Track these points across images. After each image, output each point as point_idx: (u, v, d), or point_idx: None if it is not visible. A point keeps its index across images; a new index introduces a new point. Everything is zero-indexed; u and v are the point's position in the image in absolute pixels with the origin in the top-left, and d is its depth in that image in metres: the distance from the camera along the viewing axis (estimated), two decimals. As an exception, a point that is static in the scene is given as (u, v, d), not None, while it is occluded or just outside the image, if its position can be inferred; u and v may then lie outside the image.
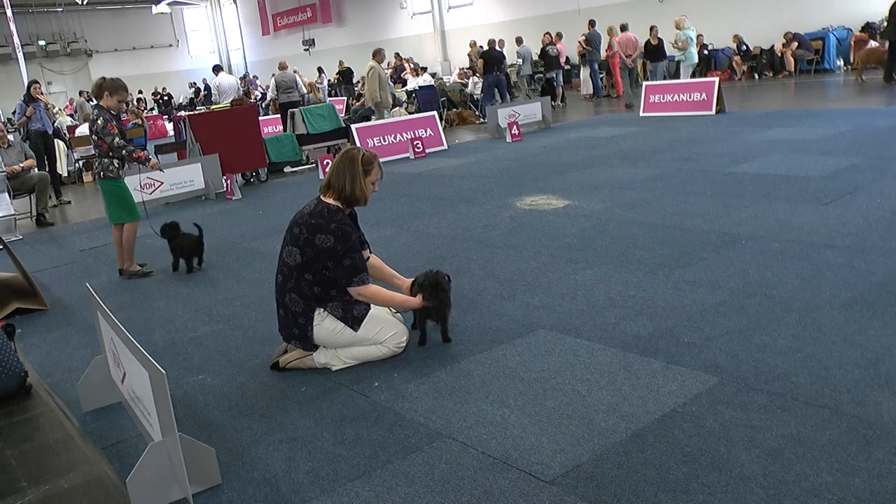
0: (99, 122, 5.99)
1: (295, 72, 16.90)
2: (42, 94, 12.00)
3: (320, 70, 25.92)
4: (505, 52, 17.80)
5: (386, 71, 14.47)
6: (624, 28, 16.97)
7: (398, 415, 3.35)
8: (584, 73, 19.80)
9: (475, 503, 2.63)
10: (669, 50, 16.33)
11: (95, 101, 6.12)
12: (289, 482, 2.91)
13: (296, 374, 3.94)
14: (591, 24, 19.09)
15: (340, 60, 26.48)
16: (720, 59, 19.86)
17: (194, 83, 34.12)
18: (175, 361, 4.33)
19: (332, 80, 26.40)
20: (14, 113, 14.25)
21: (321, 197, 3.92)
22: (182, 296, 5.70)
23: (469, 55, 20.95)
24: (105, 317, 3.38)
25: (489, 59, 16.21)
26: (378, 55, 14.23)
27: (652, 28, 16.36)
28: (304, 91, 15.85)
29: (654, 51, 16.34)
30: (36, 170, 10.55)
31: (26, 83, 13.02)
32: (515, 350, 3.91)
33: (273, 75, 15.59)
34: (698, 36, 18.80)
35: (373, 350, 3.92)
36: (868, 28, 17.53)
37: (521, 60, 18.93)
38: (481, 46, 19.48)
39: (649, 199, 7.09)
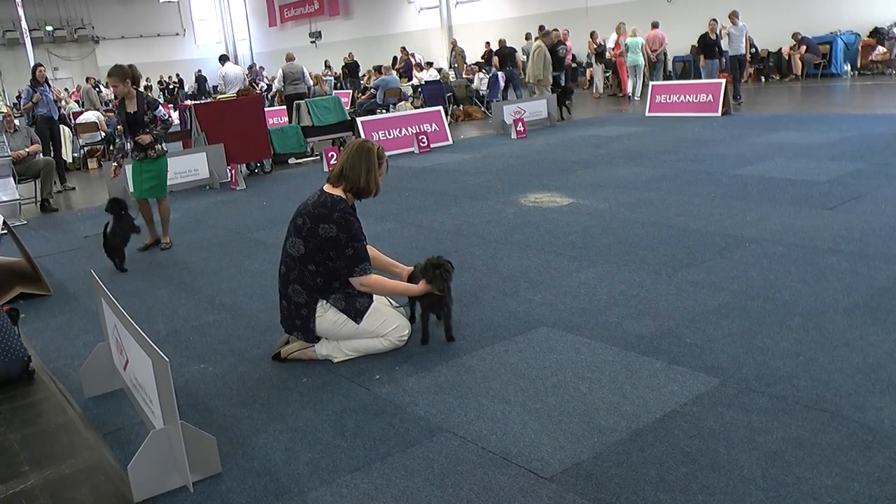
0: None
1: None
2: (47, 77, 11.96)
3: (327, 64, 25.90)
4: (515, 46, 18.40)
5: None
6: (655, 25, 17.62)
7: (399, 408, 3.36)
8: (597, 70, 19.92)
9: (474, 498, 2.64)
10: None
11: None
12: (288, 472, 2.92)
13: (297, 365, 3.95)
14: (541, 28, 19.14)
15: (350, 53, 26.46)
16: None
17: (190, 75, 33.92)
18: (177, 350, 4.34)
19: (338, 73, 26.44)
20: (19, 97, 14.26)
21: (325, 188, 3.93)
22: (185, 284, 5.71)
23: (455, 53, 21.18)
24: (108, 303, 3.39)
25: (501, 56, 16.74)
26: (546, 37, 14.77)
27: (711, 22, 15.28)
28: (311, 83, 15.91)
29: (711, 46, 15.17)
30: (41, 155, 10.56)
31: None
32: (517, 347, 3.91)
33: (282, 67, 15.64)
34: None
35: (374, 343, 3.92)
36: (876, 33, 17.50)
37: (525, 57, 18.93)
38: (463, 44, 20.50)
39: (653, 199, 7.09)
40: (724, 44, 15.18)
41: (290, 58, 15.77)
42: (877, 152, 8.35)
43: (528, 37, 18.99)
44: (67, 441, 3.36)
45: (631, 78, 17.82)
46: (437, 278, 3.84)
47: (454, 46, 22.82)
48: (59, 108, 14.63)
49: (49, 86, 12.16)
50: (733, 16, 14.90)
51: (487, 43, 22.45)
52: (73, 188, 11.87)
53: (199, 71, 33.13)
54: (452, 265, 3.96)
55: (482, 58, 21.75)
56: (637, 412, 3.11)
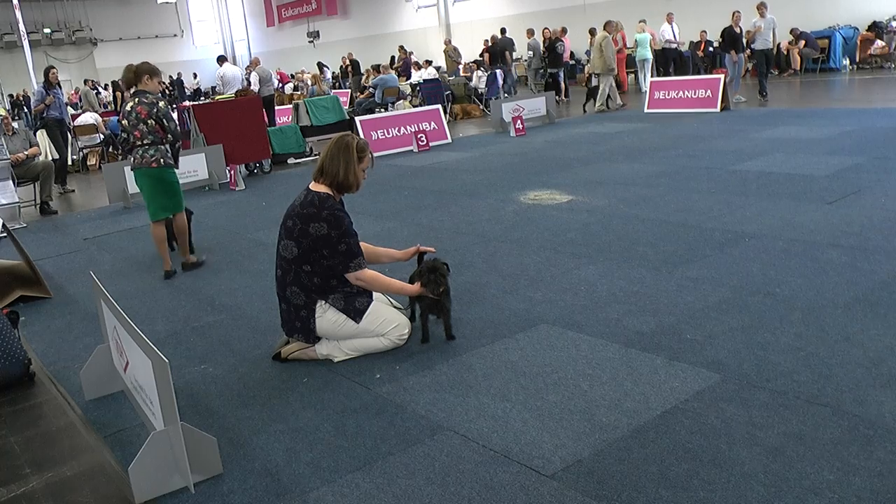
0: (161, 104, 5.70)
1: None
2: (58, 79, 11.90)
3: (321, 65, 25.95)
4: (509, 44, 18.77)
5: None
6: (643, 22, 17.86)
7: (399, 407, 3.36)
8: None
9: (475, 496, 2.63)
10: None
11: (133, 88, 5.71)
12: (289, 472, 2.92)
13: (297, 365, 3.95)
14: (503, 31, 19.40)
15: (350, 52, 26.57)
16: (725, 57, 19.78)
17: (189, 76, 33.84)
18: (177, 351, 4.34)
19: (336, 72, 26.48)
20: (20, 99, 14.26)
21: (311, 186, 3.92)
22: (185, 286, 5.71)
23: (445, 52, 21.32)
24: (108, 305, 3.39)
25: (493, 53, 17.20)
26: (608, 26, 15.16)
27: (735, 14, 14.47)
28: (277, 84, 16.61)
29: (737, 39, 14.32)
30: (40, 157, 10.55)
31: (31, 71, 12.99)
32: (517, 344, 3.91)
33: (253, 70, 16.36)
34: (702, 32, 18.84)
35: (375, 342, 3.92)
36: (875, 27, 17.48)
37: (531, 53, 18.94)
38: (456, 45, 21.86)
39: (653, 195, 7.08)
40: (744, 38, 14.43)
41: (256, 62, 16.90)
42: (876, 146, 8.34)
43: (529, 33, 18.94)
44: (68, 443, 3.36)
45: (640, 71, 18.10)
46: (430, 283, 3.86)
47: (447, 45, 22.84)
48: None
49: (61, 88, 12.12)
50: (762, 6, 13.90)
51: (486, 41, 22.46)
52: (73, 191, 11.85)
53: (179, 74, 33.13)
54: (449, 268, 3.96)
55: (480, 56, 21.73)
56: (638, 409, 3.11)
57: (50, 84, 11.41)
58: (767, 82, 14.30)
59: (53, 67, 11.84)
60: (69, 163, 14.08)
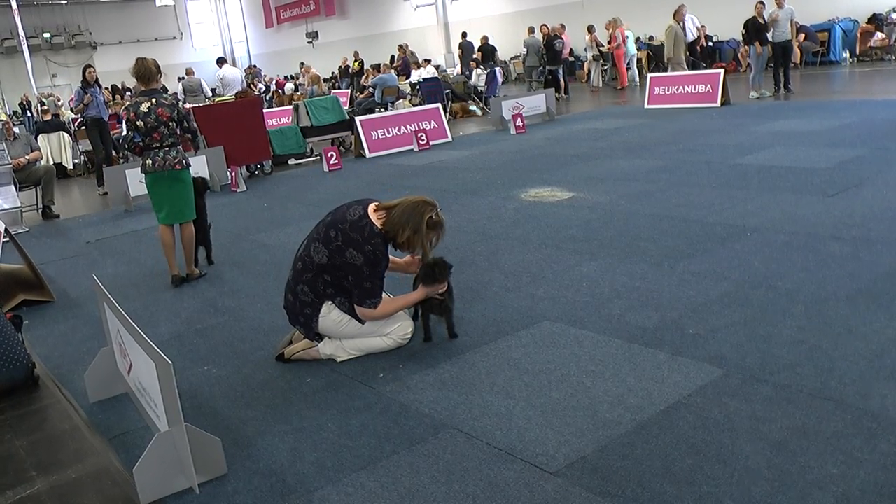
0: (180, 104, 5.61)
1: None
2: (97, 78, 11.64)
3: (302, 64, 26.01)
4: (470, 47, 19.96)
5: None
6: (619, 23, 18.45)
7: (403, 406, 3.36)
8: (594, 65, 19.94)
9: (480, 494, 2.64)
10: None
11: (144, 87, 5.49)
12: (294, 472, 2.93)
13: (301, 365, 3.95)
14: (531, 30, 19.42)
15: (356, 52, 26.70)
16: (725, 51, 19.75)
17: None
18: (181, 353, 4.34)
19: (334, 73, 26.54)
20: (23, 106, 14.27)
21: (371, 207, 3.84)
22: (187, 288, 5.71)
23: (400, 56, 21.55)
24: (111, 308, 3.40)
25: (484, 52, 17.68)
26: (677, 14, 15.15)
27: (758, 4, 13.86)
28: (209, 94, 16.70)
29: (761, 31, 13.70)
30: (41, 162, 10.56)
31: (31, 75, 12.99)
32: (520, 342, 3.91)
33: (180, 80, 16.51)
34: (702, 27, 18.80)
35: (378, 342, 3.93)
36: (875, 19, 17.43)
37: (524, 51, 18.94)
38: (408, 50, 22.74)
39: (654, 190, 7.08)
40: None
41: (189, 72, 17.39)
42: (877, 138, 8.33)
43: (530, 31, 18.94)
44: (73, 446, 3.37)
45: (634, 67, 18.69)
46: (427, 277, 3.84)
47: (405, 49, 22.93)
48: (59, 114, 14.65)
49: (100, 87, 11.99)
50: None
51: (484, 37, 22.46)
52: (106, 193, 11.46)
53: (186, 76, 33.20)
54: (450, 266, 3.95)
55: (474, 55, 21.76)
56: (641, 404, 3.11)
57: (87, 83, 11.27)
58: (782, 75, 13.74)
59: (90, 66, 11.55)
60: (70, 167, 14.12)
